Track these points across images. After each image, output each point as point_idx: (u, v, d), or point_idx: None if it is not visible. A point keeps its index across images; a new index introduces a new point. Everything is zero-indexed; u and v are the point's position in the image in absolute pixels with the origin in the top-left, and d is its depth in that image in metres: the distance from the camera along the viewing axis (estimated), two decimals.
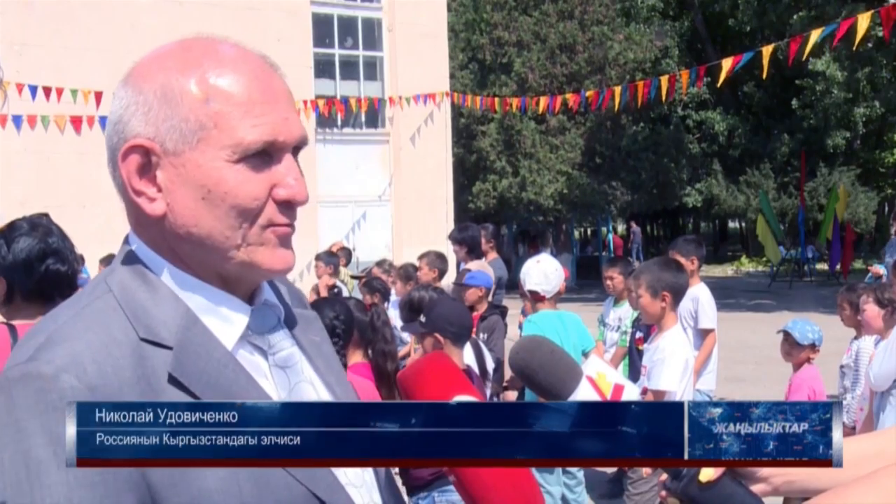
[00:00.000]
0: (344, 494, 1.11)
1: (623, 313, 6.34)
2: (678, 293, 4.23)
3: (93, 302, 1.08)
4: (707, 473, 1.18)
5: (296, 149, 1.13)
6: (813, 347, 5.03)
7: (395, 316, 7.28)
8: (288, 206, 1.11)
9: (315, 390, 1.18)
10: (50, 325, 1.06)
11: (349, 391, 1.28)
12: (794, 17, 21.51)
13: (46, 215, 2.75)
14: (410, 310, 4.52)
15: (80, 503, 0.94)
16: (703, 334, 6.02)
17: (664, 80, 11.39)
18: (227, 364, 1.07)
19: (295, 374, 1.17)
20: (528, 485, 1.27)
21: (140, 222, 1.12)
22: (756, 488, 1.24)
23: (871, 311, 4.77)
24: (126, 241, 1.16)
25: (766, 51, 9.50)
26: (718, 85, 10.92)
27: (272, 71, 1.12)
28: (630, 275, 5.08)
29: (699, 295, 6.04)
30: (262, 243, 1.09)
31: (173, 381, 1.02)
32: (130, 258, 1.12)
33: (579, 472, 5.21)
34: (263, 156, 1.08)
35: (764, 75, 9.57)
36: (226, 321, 1.11)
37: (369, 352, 4.02)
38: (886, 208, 31.48)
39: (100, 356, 0.99)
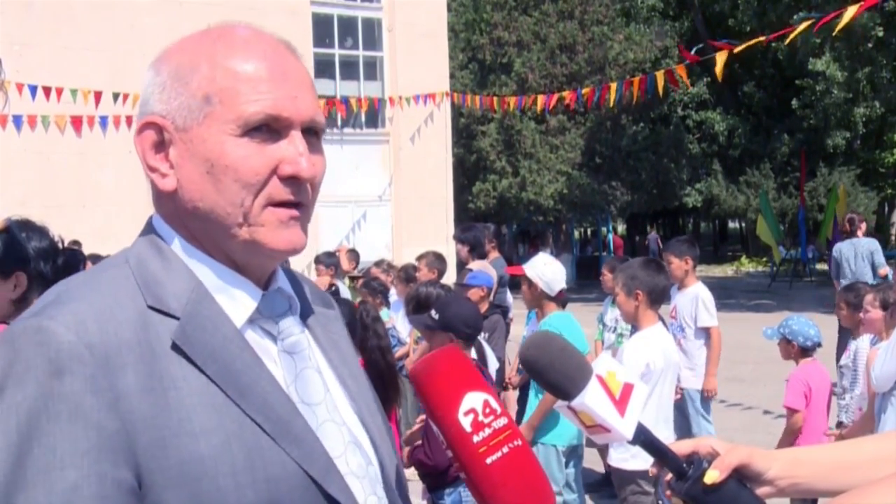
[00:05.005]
0: (340, 479, 1.10)
1: (619, 314, 6.33)
2: (653, 293, 4.27)
3: (107, 270, 1.12)
4: (712, 476, 1.17)
5: (313, 132, 1.13)
6: (788, 342, 5.03)
7: (395, 317, 7.28)
8: (295, 184, 1.10)
9: (322, 378, 1.18)
10: (62, 287, 1.10)
11: (364, 387, 1.27)
12: (794, 16, 21.48)
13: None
14: (418, 305, 4.49)
15: (72, 454, 0.95)
16: (705, 332, 6.04)
17: (660, 75, 11.33)
18: (232, 340, 1.08)
19: (302, 360, 1.17)
20: (538, 482, 1.25)
21: (157, 197, 1.16)
22: (761, 491, 1.24)
23: (875, 313, 4.81)
24: (151, 216, 1.19)
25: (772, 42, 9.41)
26: (719, 78, 10.75)
27: (288, 54, 1.14)
28: None
29: (698, 293, 6.08)
30: (264, 223, 1.09)
31: (176, 348, 1.04)
32: (147, 230, 1.16)
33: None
34: (271, 132, 1.08)
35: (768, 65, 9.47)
36: (235, 300, 1.12)
37: (361, 350, 4.00)
38: (886, 208, 31.49)
39: (103, 317, 1.02)
